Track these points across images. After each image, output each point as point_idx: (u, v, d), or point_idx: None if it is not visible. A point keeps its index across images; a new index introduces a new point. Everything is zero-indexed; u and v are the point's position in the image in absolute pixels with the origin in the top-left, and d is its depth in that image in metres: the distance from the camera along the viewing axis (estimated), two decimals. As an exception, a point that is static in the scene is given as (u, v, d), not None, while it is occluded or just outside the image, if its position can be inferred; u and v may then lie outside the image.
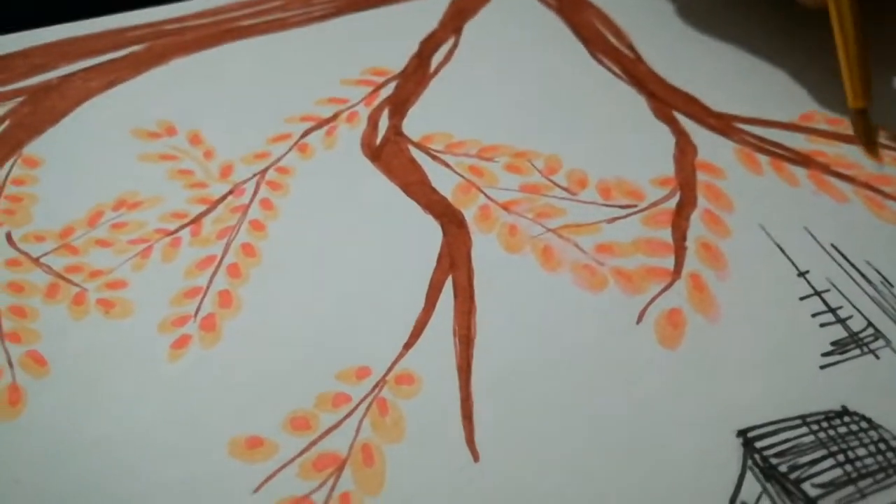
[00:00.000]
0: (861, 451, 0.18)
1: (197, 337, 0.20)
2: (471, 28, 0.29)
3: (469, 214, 0.23)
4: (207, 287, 0.21)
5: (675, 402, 0.19)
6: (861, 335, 0.20)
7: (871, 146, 0.24)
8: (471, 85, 0.27)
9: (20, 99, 0.27)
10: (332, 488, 0.17)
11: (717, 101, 0.26)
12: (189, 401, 0.19)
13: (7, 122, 0.26)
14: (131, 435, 0.18)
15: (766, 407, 0.18)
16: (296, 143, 0.25)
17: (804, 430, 0.18)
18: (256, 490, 0.17)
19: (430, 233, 0.22)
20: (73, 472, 0.18)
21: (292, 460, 0.18)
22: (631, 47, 0.28)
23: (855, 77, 0.24)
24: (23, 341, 0.20)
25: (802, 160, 0.24)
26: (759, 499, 0.17)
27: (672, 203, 0.23)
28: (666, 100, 0.26)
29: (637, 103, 0.26)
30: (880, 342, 0.20)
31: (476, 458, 0.18)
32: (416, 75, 0.27)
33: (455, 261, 0.22)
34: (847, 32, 0.24)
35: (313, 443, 0.18)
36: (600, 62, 0.28)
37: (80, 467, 0.18)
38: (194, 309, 0.21)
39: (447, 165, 0.24)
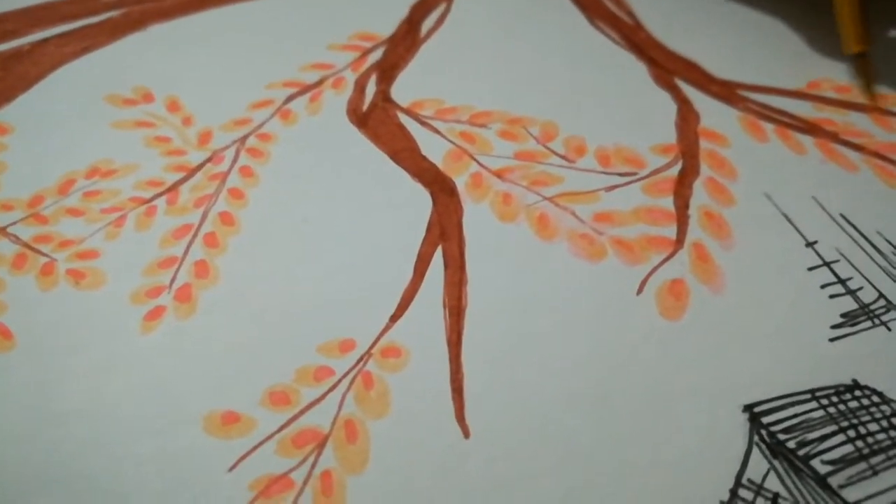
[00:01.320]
0: (872, 427, 0.17)
1: (171, 308, 0.19)
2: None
3: (460, 182, 0.22)
4: (183, 257, 0.20)
5: (678, 376, 0.17)
6: (872, 307, 0.19)
7: (873, 92, 0.24)
8: (463, 51, 0.25)
9: (-10, 65, 0.26)
10: (313, 465, 0.16)
11: (720, 68, 0.25)
12: (162, 374, 0.18)
13: (-24, 89, 0.25)
14: (101, 409, 0.17)
15: (773, 381, 0.17)
16: (278, 110, 0.23)
17: (813, 404, 0.17)
18: (232, 468, 0.16)
19: (420, 201, 0.21)
20: (41, 447, 0.16)
21: (270, 437, 0.16)
22: (630, 14, 0.27)
23: (855, 20, 0.24)
24: (-14, 311, 0.19)
25: (809, 128, 0.23)
26: (766, 476, 0.16)
27: (674, 171, 0.22)
28: (667, 66, 0.25)
29: (637, 70, 0.25)
30: (892, 314, 0.19)
31: (466, 434, 0.17)
32: (405, 41, 0.26)
33: (445, 230, 0.20)
34: None
35: (293, 418, 0.17)
36: (599, 29, 0.26)
37: (47, 442, 0.17)
38: (169, 279, 0.19)
39: (437, 132, 0.23)
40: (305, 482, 0.16)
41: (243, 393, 0.17)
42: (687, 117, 0.23)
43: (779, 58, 0.25)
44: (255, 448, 0.16)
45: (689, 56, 0.25)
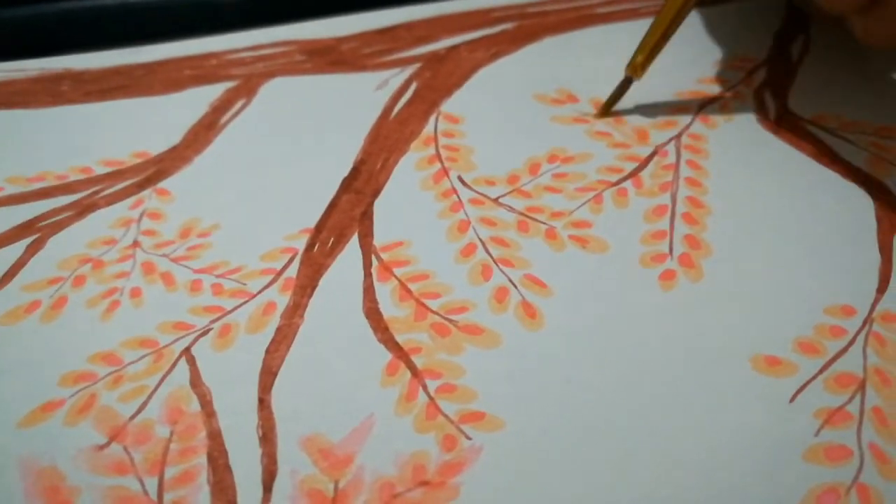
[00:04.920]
0: None
1: (681, 272, 0.22)
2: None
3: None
4: (671, 230, 0.23)
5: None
6: None
7: (606, 111, 0.27)
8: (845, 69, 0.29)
9: (418, 65, 0.30)
10: (862, 402, 0.19)
11: None
12: (700, 323, 0.21)
13: (415, 84, 0.29)
14: (641, 348, 0.20)
15: None
16: (697, 115, 0.27)
17: None
18: (792, 399, 0.19)
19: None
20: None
21: (814, 377, 0.20)
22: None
23: (652, 52, 0.26)
24: (515, 266, 0.22)
25: None
26: None
27: None
28: None
29: None
30: None
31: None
32: (781, 63, 0.29)
33: None
34: (677, 5, 0.26)
35: (827, 364, 0.20)
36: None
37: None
38: (667, 248, 0.23)
39: (849, 142, 0.26)
40: (861, 414, 0.19)
41: (774, 342, 0.20)
42: None
43: None
44: (805, 385, 0.19)
45: None
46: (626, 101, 0.27)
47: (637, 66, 0.26)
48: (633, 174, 0.25)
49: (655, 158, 0.26)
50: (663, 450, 0.18)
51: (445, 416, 0.19)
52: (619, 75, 0.28)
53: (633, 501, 0.17)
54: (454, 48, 0.30)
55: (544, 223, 0.24)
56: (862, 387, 0.19)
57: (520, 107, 0.28)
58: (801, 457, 0.18)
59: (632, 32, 0.31)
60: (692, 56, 0.30)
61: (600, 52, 0.30)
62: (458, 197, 0.25)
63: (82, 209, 0.25)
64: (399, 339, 0.21)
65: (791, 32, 0.31)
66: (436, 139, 0.27)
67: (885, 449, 0.18)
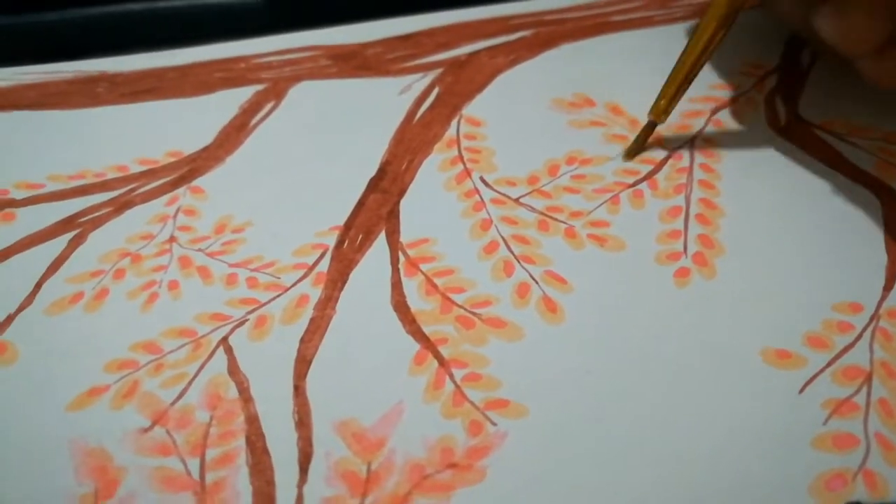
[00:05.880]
0: None
1: (694, 270, 0.23)
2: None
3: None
4: (685, 230, 0.24)
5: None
6: None
7: (632, 156, 0.27)
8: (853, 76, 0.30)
9: (439, 70, 0.31)
10: (869, 394, 0.20)
11: None
12: (710, 318, 0.22)
13: (437, 89, 0.30)
14: (665, 339, 0.21)
15: None
16: (709, 120, 0.28)
17: None
18: (801, 391, 0.20)
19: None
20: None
21: (822, 370, 0.20)
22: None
23: (678, 94, 0.26)
24: (536, 263, 0.24)
25: None
26: None
27: None
28: None
29: None
30: None
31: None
32: (792, 70, 0.30)
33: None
34: (698, 51, 0.26)
35: (835, 358, 0.21)
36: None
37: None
38: (681, 247, 0.24)
39: (858, 147, 0.27)
40: (868, 405, 0.20)
41: (784, 337, 0.21)
42: None
43: None
44: (813, 378, 0.20)
45: None
46: (643, 105, 0.28)
47: (660, 111, 0.26)
48: (649, 176, 0.26)
49: (670, 161, 0.27)
50: (678, 438, 0.19)
51: (471, 402, 0.20)
52: (634, 81, 0.29)
53: (648, 486, 0.18)
54: (475, 54, 0.31)
55: (564, 222, 0.25)
56: (868, 379, 0.20)
57: (539, 111, 0.29)
58: (810, 444, 0.19)
59: (646, 39, 0.32)
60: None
61: (616, 58, 0.31)
62: (481, 197, 0.26)
63: (120, 206, 0.26)
64: (426, 330, 0.22)
65: (801, 40, 0.32)
66: (458, 141, 0.28)
67: (890, 437, 0.19)
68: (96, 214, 0.26)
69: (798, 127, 0.28)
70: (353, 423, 0.20)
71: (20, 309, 0.23)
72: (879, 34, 0.24)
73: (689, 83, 0.26)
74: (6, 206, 0.26)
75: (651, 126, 0.27)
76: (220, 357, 0.21)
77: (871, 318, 0.22)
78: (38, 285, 0.23)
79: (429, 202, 0.26)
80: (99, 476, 0.19)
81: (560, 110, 0.29)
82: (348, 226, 0.25)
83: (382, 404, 0.20)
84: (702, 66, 0.26)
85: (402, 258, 0.24)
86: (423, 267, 0.24)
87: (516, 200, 0.25)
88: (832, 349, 0.21)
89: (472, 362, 0.21)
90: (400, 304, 0.23)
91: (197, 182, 0.27)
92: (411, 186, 0.26)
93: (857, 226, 0.24)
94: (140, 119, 0.30)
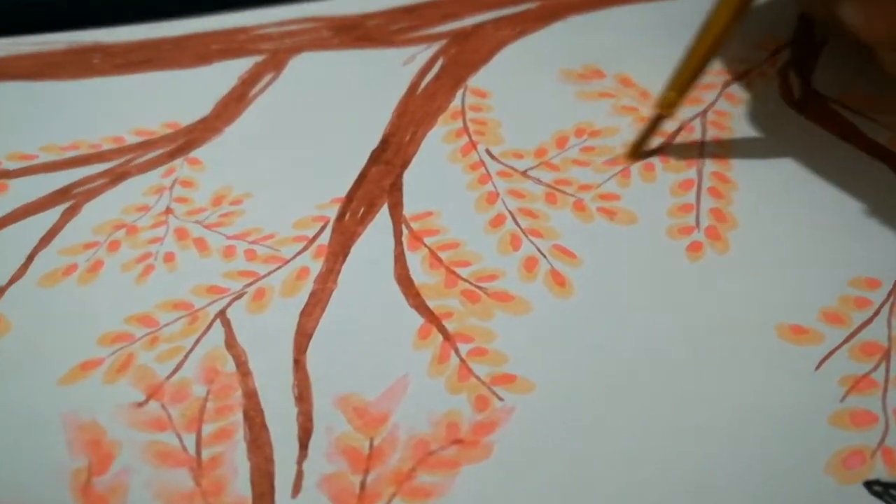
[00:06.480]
0: None
1: (707, 244, 0.22)
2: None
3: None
4: (697, 204, 0.23)
5: None
6: None
7: (636, 152, 0.25)
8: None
9: (444, 41, 0.30)
10: (887, 370, 0.19)
11: None
12: (724, 293, 0.21)
13: (442, 60, 0.29)
14: (674, 314, 0.21)
15: None
16: (721, 94, 0.27)
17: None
18: (818, 367, 0.19)
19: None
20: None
21: (840, 346, 0.20)
22: None
23: (688, 86, 0.24)
24: (544, 236, 0.23)
25: None
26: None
27: None
28: None
29: None
30: None
31: None
32: (806, 44, 0.30)
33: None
34: (709, 42, 0.24)
35: (853, 334, 0.20)
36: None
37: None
38: (693, 221, 0.23)
39: (873, 120, 0.26)
40: (886, 382, 0.19)
41: (799, 312, 0.21)
42: None
43: None
44: (830, 354, 0.20)
45: None
46: (653, 76, 0.27)
47: (669, 104, 0.24)
48: (660, 150, 0.25)
49: (682, 134, 0.26)
50: (691, 414, 0.19)
51: (477, 377, 0.19)
52: (644, 52, 0.28)
53: (659, 463, 0.18)
54: (480, 25, 0.31)
55: (572, 195, 0.24)
56: (887, 356, 0.20)
57: (546, 82, 0.28)
58: (828, 421, 0.18)
59: (655, 12, 0.31)
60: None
61: (624, 30, 0.30)
62: (486, 169, 0.25)
63: (115, 177, 0.25)
64: (430, 304, 0.21)
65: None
66: (463, 113, 0.27)
67: (910, 414, 0.19)
68: (91, 185, 0.25)
69: (813, 101, 0.27)
70: (354, 398, 0.19)
71: (12, 280, 0.22)
72: None
73: (700, 74, 0.24)
74: (-2, 176, 0.25)
75: (658, 119, 0.25)
76: (218, 330, 0.21)
77: (889, 294, 0.21)
78: (31, 257, 0.23)
79: (433, 174, 0.25)
80: (92, 451, 0.18)
81: (568, 82, 0.28)
82: (350, 198, 0.24)
83: (385, 379, 0.19)
84: (713, 58, 0.24)
85: (405, 231, 0.23)
86: (427, 240, 0.23)
87: (523, 173, 0.25)
88: (849, 325, 0.20)
89: (477, 336, 0.20)
90: (403, 278, 0.22)
91: (194, 153, 0.26)
92: (415, 159, 0.25)
93: (873, 201, 0.24)
94: (136, 90, 0.29)
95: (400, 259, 0.22)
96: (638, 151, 0.25)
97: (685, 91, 0.24)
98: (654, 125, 0.25)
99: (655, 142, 0.25)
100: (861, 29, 0.23)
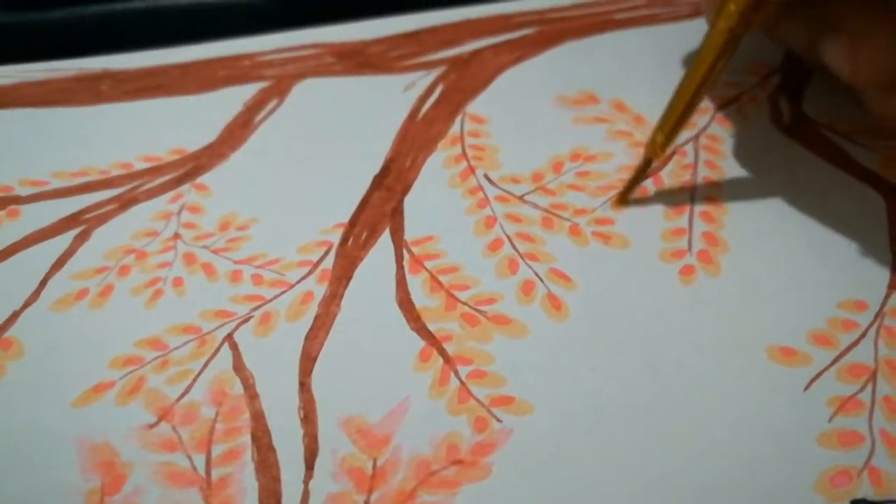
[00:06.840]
0: None
1: (699, 268, 0.23)
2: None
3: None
4: (690, 227, 0.24)
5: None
6: None
7: (625, 199, 0.25)
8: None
9: (443, 68, 0.31)
10: (873, 391, 0.20)
11: None
12: (717, 315, 0.22)
13: (441, 86, 0.30)
14: (664, 335, 0.21)
15: None
16: (713, 118, 0.28)
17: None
18: (806, 388, 0.20)
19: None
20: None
21: (827, 368, 0.21)
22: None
23: (676, 129, 0.24)
24: (540, 260, 0.24)
25: None
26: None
27: None
28: None
29: None
30: None
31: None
32: (795, 69, 0.30)
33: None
34: (696, 82, 0.24)
35: (840, 355, 0.21)
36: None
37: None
38: (686, 244, 0.24)
39: (861, 146, 0.27)
40: (873, 403, 0.20)
41: (789, 334, 0.21)
42: None
43: None
44: (818, 375, 0.20)
45: None
46: (647, 101, 0.28)
47: (658, 147, 0.24)
48: (654, 173, 0.26)
49: (675, 158, 0.27)
50: (683, 434, 0.19)
51: (477, 399, 0.20)
52: (639, 78, 0.29)
53: (653, 483, 0.18)
54: (478, 52, 0.31)
55: (568, 220, 0.25)
56: (873, 377, 0.20)
57: (543, 108, 0.29)
58: (815, 441, 0.19)
59: (651, 37, 0.32)
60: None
61: (619, 55, 0.31)
62: (485, 194, 0.26)
63: (124, 203, 0.26)
64: (431, 327, 0.22)
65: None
66: (462, 139, 0.28)
67: (895, 434, 0.19)
68: (101, 211, 0.26)
69: (802, 125, 0.28)
70: (358, 420, 0.20)
71: (26, 305, 0.23)
72: (893, 72, 0.23)
73: (689, 116, 0.24)
74: (11, 202, 0.26)
75: (647, 163, 0.25)
76: (226, 353, 0.21)
77: (876, 316, 0.22)
78: (44, 282, 0.23)
79: (433, 199, 0.26)
80: (105, 471, 0.19)
81: (564, 107, 0.29)
82: (353, 223, 0.25)
83: (388, 401, 0.20)
84: (701, 98, 0.24)
85: (406, 255, 0.24)
86: (428, 264, 0.24)
87: (521, 198, 0.25)
88: (837, 347, 0.21)
89: (476, 359, 0.21)
90: (404, 301, 0.23)
91: (201, 179, 0.27)
92: (415, 184, 0.26)
93: (861, 224, 0.24)
94: (144, 116, 0.30)
95: (401, 283, 0.23)
96: (626, 198, 0.25)
97: (674, 133, 0.24)
98: (643, 170, 0.25)
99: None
100: (846, 74, 0.23)
